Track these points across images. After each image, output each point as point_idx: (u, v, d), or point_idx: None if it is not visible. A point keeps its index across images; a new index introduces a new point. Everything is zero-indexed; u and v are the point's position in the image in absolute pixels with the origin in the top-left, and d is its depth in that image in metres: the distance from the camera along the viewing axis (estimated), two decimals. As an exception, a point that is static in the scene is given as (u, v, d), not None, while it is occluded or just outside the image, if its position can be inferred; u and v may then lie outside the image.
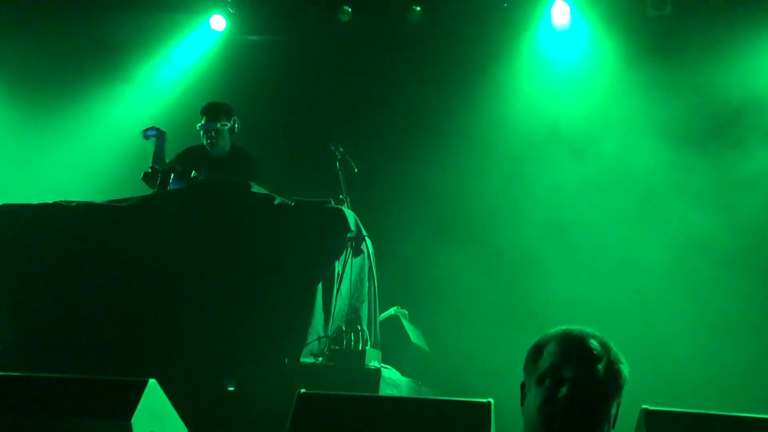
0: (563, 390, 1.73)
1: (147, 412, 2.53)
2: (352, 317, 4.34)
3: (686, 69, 6.06)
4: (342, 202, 4.61)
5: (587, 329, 1.86)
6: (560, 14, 6.72)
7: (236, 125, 4.99)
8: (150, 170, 4.42)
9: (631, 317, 5.38)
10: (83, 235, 4.17)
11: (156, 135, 4.73)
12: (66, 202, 4.26)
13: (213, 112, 4.91)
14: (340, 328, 4.07)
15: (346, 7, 6.74)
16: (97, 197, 4.51)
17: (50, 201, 4.27)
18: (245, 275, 4.06)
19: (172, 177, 4.38)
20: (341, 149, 4.97)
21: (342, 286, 4.24)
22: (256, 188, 4.52)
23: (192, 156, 4.97)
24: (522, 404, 1.91)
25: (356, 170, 4.97)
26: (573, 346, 1.80)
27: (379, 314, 4.74)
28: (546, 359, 1.81)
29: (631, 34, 6.37)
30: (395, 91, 6.67)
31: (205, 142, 4.96)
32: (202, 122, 4.90)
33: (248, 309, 4.01)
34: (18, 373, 2.72)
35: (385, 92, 6.70)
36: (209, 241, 4.20)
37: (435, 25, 6.71)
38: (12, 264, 4.12)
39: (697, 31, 6.22)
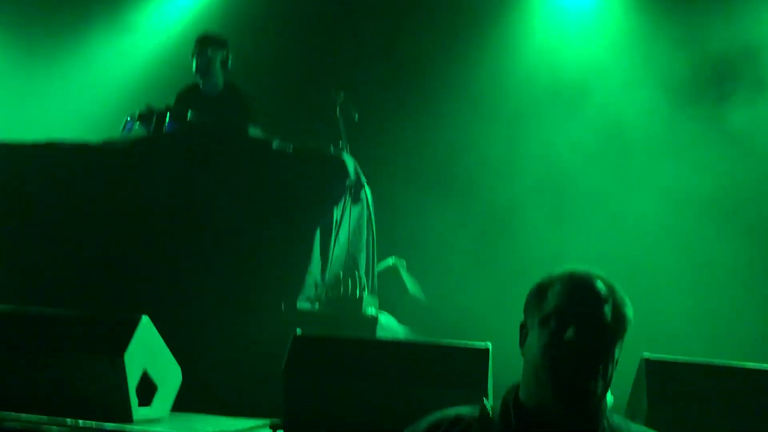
0: (570, 332, 1.67)
1: (140, 349, 2.50)
2: (350, 265, 4.30)
3: (692, 19, 5.94)
4: (342, 149, 4.53)
5: (593, 270, 1.79)
6: None
7: (229, 59, 4.79)
8: (145, 112, 4.31)
9: (624, 270, 5.38)
10: (77, 176, 4.11)
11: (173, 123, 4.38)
12: (59, 140, 4.18)
13: (205, 39, 4.76)
14: (337, 275, 4.04)
15: None
16: (93, 137, 4.42)
17: (41, 138, 4.18)
18: (242, 221, 4.01)
19: (167, 118, 4.28)
20: (342, 95, 4.85)
21: (340, 233, 4.20)
22: (253, 131, 4.43)
23: (186, 96, 4.82)
24: (521, 345, 1.86)
25: (357, 119, 4.87)
26: (579, 288, 1.74)
27: (377, 263, 4.71)
28: (551, 300, 1.75)
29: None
30: (396, 39, 6.53)
31: (194, 72, 4.77)
32: (194, 50, 4.75)
33: (245, 254, 3.98)
34: (9, 306, 2.68)
35: (386, 41, 6.56)
36: (205, 186, 4.14)
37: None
38: (3, 203, 4.05)
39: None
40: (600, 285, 1.76)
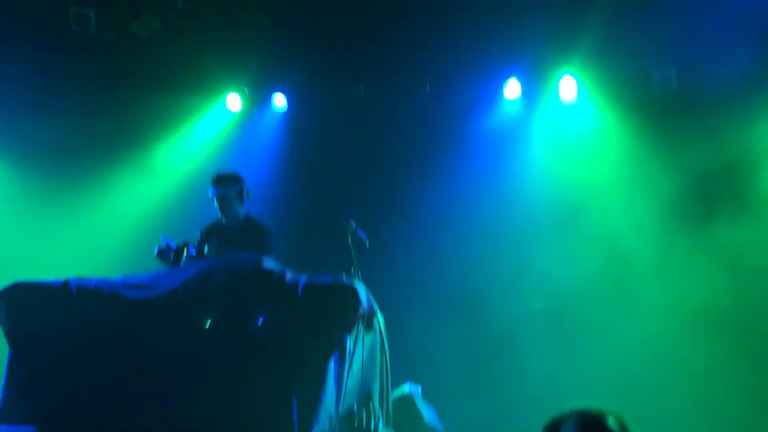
0: (585, 471, 1.68)
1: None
2: (364, 395, 4.25)
3: (679, 141, 6.23)
4: (354, 276, 4.60)
5: (604, 408, 1.82)
6: (568, 89, 6.88)
7: (244, 191, 5.14)
8: (164, 247, 4.46)
9: (627, 390, 5.38)
10: (94, 313, 4.17)
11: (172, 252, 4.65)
12: (80, 277, 4.28)
13: (219, 178, 5.14)
14: (351, 406, 3.99)
15: (360, 86, 6.95)
16: (112, 273, 4.53)
17: (65, 276, 4.28)
18: (255, 352, 4.01)
19: (185, 253, 4.41)
20: (353, 223, 5.02)
21: (353, 362, 4.18)
22: (267, 262, 4.53)
23: (209, 231, 5.12)
24: (539, 485, 1.86)
25: (368, 245, 5.00)
26: (592, 426, 1.76)
27: (392, 391, 4.65)
28: (565, 439, 1.77)
29: (636, 109, 6.53)
30: (405, 164, 6.81)
31: (216, 208, 5.12)
32: (210, 189, 5.12)
33: (258, 385, 3.95)
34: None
35: (395, 165, 6.84)
36: (219, 317, 4.18)
37: (445, 100, 6.89)
38: (23, 342, 4.10)
39: (700, 108, 6.37)
40: (611, 423, 1.79)
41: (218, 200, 5.05)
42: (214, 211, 5.15)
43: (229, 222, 5.11)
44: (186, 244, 4.51)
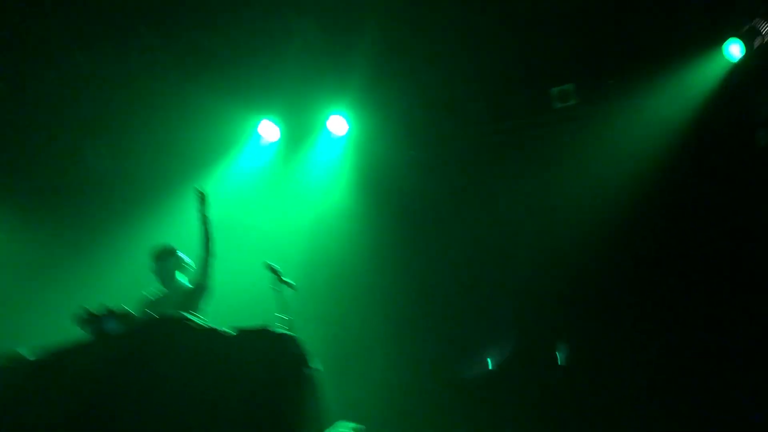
0: None
1: None
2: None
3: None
4: (285, 325, 4.56)
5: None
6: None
7: (181, 261, 5.29)
8: (86, 315, 4.26)
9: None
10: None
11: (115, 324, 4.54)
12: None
13: (155, 254, 5.31)
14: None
15: None
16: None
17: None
18: (192, 416, 3.90)
19: (106, 319, 4.24)
20: (278, 268, 4.97)
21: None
22: (196, 320, 4.43)
23: (146, 299, 5.22)
24: None
25: (296, 288, 4.96)
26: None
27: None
28: None
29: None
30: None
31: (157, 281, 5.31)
32: (152, 266, 5.30)
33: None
34: None
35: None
36: (151, 380, 4.06)
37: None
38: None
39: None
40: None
41: (160, 275, 5.22)
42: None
43: (169, 289, 5.24)
44: (108, 310, 4.33)
